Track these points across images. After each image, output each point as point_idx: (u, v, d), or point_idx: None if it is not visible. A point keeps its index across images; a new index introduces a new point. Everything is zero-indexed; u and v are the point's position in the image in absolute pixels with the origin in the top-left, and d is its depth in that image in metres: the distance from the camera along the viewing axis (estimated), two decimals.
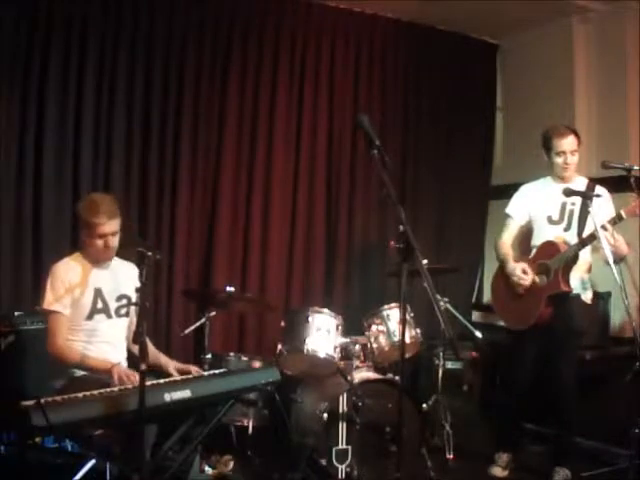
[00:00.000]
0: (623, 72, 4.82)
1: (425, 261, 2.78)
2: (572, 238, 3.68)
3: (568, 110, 5.10)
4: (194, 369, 3.19)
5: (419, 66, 5.48)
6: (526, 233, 3.99)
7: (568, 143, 3.73)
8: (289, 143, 4.99)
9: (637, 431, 3.26)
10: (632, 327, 3.31)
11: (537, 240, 3.87)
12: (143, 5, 4.46)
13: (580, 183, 3.80)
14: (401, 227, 2.47)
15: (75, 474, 2.79)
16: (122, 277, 3.24)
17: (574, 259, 3.64)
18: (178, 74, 4.59)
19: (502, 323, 4.08)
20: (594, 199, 3.49)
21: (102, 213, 3.06)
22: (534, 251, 3.84)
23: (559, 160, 3.76)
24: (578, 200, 3.68)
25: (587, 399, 4.01)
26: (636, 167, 3.39)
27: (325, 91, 5.10)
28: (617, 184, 3.66)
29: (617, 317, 4.60)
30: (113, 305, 3.20)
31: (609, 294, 4.53)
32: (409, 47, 5.42)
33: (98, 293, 3.16)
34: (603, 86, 5.01)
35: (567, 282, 3.65)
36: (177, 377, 3.03)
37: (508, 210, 3.98)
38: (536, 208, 3.88)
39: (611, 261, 3.22)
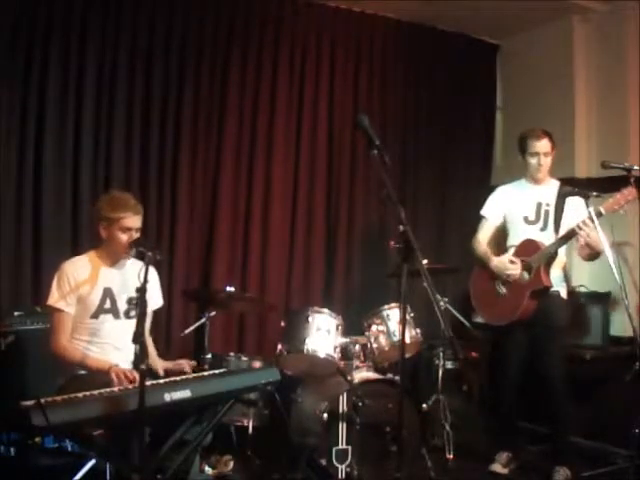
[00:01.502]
0: (623, 72, 4.82)
1: (425, 261, 2.78)
2: (549, 238, 3.75)
3: (568, 110, 5.10)
4: (186, 365, 3.16)
5: (419, 66, 5.48)
6: (500, 234, 4.04)
7: (542, 145, 3.81)
8: (289, 143, 4.98)
9: (637, 431, 3.25)
10: (632, 327, 3.33)
11: (513, 240, 3.93)
12: (143, 5, 4.46)
13: (553, 185, 3.89)
14: (401, 227, 2.47)
15: (75, 474, 2.80)
16: (135, 278, 3.20)
17: (554, 256, 3.72)
18: (178, 74, 4.59)
19: (480, 319, 4.17)
20: (570, 198, 3.66)
21: (129, 207, 3.09)
22: (513, 250, 3.88)
23: (533, 161, 3.84)
24: (552, 200, 3.79)
25: (587, 399, 4.01)
26: (636, 167, 3.41)
27: (325, 91, 5.09)
28: (617, 184, 3.66)
29: (617, 317, 4.60)
30: (123, 306, 3.17)
31: (609, 294, 4.54)
32: (409, 47, 5.42)
33: (108, 293, 3.13)
34: (603, 86, 5.01)
35: (549, 278, 3.72)
36: (177, 377, 3.02)
37: (483, 212, 4.06)
38: (511, 209, 3.95)
39: (608, 253, 3.30)
